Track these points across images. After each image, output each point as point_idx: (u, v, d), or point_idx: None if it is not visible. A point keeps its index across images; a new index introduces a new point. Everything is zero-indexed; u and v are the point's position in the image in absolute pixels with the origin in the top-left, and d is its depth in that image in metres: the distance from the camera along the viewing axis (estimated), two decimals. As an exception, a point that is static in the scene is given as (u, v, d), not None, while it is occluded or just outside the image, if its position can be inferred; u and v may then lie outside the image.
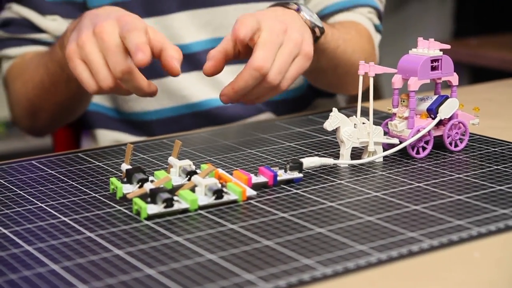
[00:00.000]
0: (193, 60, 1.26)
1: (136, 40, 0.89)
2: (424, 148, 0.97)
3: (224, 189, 0.82)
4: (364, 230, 0.74)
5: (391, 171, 0.91)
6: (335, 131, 0.95)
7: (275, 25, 0.99)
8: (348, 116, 0.95)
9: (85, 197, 0.84)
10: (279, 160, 0.97)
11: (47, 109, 1.21)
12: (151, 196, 0.79)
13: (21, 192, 0.86)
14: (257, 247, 0.70)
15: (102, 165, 0.96)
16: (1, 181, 0.90)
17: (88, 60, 0.93)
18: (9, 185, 0.89)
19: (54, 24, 1.23)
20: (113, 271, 0.66)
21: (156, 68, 1.25)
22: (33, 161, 0.98)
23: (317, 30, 1.08)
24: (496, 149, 0.99)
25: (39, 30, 1.23)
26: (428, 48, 0.96)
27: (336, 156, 0.96)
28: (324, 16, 1.28)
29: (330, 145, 1.03)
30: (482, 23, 3.25)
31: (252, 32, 0.97)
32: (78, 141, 1.40)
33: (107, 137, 1.30)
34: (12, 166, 0.96)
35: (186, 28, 1.26)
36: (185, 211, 0.79)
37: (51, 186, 0.88)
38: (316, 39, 1.07)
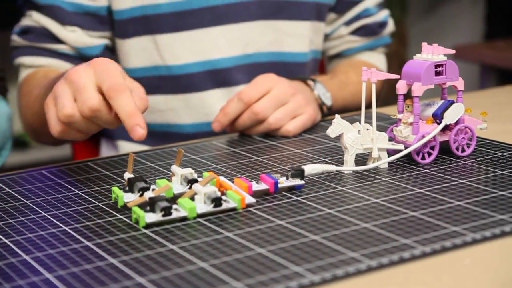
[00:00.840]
0: (221, 77, 1.27)
1: (126, 106, 0.85)
2: (429, 154, 0.96)
3: (223, 197, 0.82)
4: (358, 237, 0.74)
5: (395, 177, 0.91)
6: (339, 138, 0.95)
7: (286, 87, 1.13)
8: (352, 123, 0.95)
9: (88, 206, 0.86)
10: (284, 167, 0.98)
11: (47, 133, 1.19)
12: (150, 205, 0.80)
13: (27, 202, 0.88)
14: (249, 254, 0.71)
15: (109, 174, 0.97)
16: (10, 190, 0.92)
17: (56, 97, 0.89)
18: (16, 195, 0.91)
19: (73, 35, 1.24)
20: (105, 280, 0.67)
21: (179, 83, 1.27)
22: (43, 171, 1.00)
23: (324, 107, 1.22)
24: (504, 154, 0.98)
25: (57, 40, 1.25)
26: (432, 53, 0.96)
27: (341, 162, 0.97)
28: (348, 55, 1.43)
29: (337, 152, 1.03)
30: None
31: (258, 96, 1.11)
32: (97, 151, 1.42)
33: (127, 148, 1.31)
34: (22, 176, 0.98)
35: (216, 43, 1.27)
36: (184, 219, 0.80)
37: (56, 196, 0.90)
38: (322, 114, 1.21)
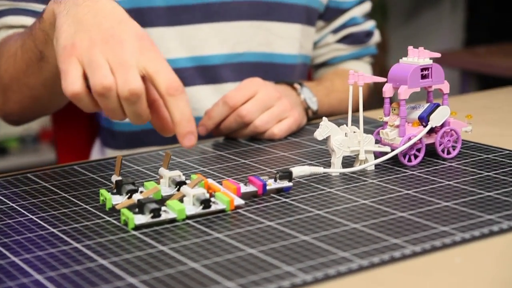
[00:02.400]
0: (210, 73, 1.27)
1: (185, 109, 0.79)
2: (416, 156, 0.97)
3: (212, 199, 0.82)
4: (348, 237, 0.74)
5: (382, 179, 0.91)
6: (325, 140, 0.95)
7: (271, 91, 1.14)
8: (339, 125, 0.95)
9: (76, 208, 0.85)
10: (271, 170, 0.98)
11: (16, 90, 1.09)
12: (139, 207, 0.80)
13: (13, 205, 0.87)
14: (240, 255, 0.71)
15: (96, 177, 0.97)
16: (-4, 194, 0.92)
17: (89, 61, 0.79)
18: (2, 198, 0.90)
19: None
20: (96, 281, 0.67)
21: None
22: (28, 174, 0.99)
23: (309, 111, 1.22)
24: (489, 156, 0.99)
25: (46, 2, 1.18)
26: (418, 57, 0.96)
27: (329, 165, 0.97)
28: (334, 63, 1.44)
29: (324, 154, 1.03)
30: (493, 32, 3.24)
31: (244, 100, 1.11)
32: (83, 156, 1.41)
33: (113, 154, 1.30)
34: (7, 180, 0.97)
35: (207, 40, 1.27)
36: (172, 221, 0.80)
37: (43, 198, 0.89)
38: (308, 118, 1.22)
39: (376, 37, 1.45)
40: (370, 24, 1.44)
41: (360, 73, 0.94)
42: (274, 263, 0.69)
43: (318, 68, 1.46)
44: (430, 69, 0.96)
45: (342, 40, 1.41)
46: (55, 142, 1.46)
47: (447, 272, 0.67)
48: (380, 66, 2.90)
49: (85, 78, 0.80)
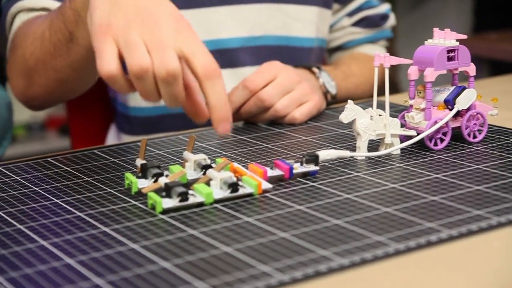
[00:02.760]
0: (227, 56, 1.26)
1: (222, 94, 0.77)
2: (442, 140, 0.95)
3: (240, 183, 0.81)
4: (381, 221, 0.73)
5: (408, 163, 0.90)
6: (351, 124, 0.94)
7: (291, 75, 1.12)
8: (364, 108, 0.94)
9: (100, 192, 0.84)
10: (295, 154, 0.96)
11: (41, 73, 1.05)
12: (166, 190, 0.79)
13: (36, 189, 0.86)
14: (273, 239, 0.70)
15: (118, 161, 0.96)
16: (18, 178, 0.90)
17: (125, 41, 0.76)
18: (25, 182, 0.89)
19: None
20: (128, 265, 0.65)
21: None
22: (48, 159, 0.98)
23: (328, 96, 1.21)
24: (515, 140, 0.97)
25: None
26: (444, 39, 0.95)
27: (353, 149, 0.96)
28: (350, 47, 1.42)
29: (347, 139, 1.02)
30: (502, 18, 3.22)
31: (264, 83, 1.09)
32: (99, 143, 1.40)
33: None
34: (28, 164, 0.96)
35: (224, 23, 1.26)
36: (200, 204, 0.79)
37: (66, 183, 0.88)
38: (327, 102, 1.20)
39: (392, 20, 1.44)
40: (385, 7, 1.42)
41: (386, 54, 0.92)
42: (308, 247, 0.68)
43: (333, 52, 1.44)
44: (456, 51, 0.95)
45: (357, 23, 1.40)
46: (69, 128, 1.44)
47: (485, 256, 0.66)
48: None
49: (121, 58, 0.77)
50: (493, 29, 2.98)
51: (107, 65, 0.76)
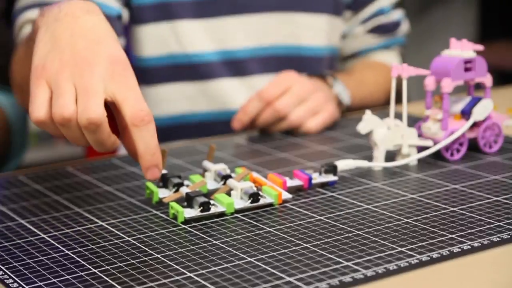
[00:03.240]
0: (237, 66, 1.27)
1: (151, 141, 0.74)
2: (458, 150, 0.96)
3: (260, 193, 0.82)
4: (403, 232, 0.73)
5: (426, 173, 0.90)
6: (368, 134, 0.94)
7: (306, 85, 1.13)
8: (381, 118, 0.95)
9: (121, 202, 0.85)
10: (312, 164, 0.97)
11: (26, 90, 0.97)
12: (188, 200, 0.79)
13: (57, 198, 0.87)
14: (296, 249, 0.70)
15: (137, 171, 0.96)
16: (36, 187, 0.91)
17: (56, 86, 0.74)
18: (45, 191, 0.89)
19: None
20: (151, 274, 0.66)
21: (196, 71, 1.26)
22: (67, 168, 0.98)
23: (343, 105, 1.21)
24: (531, 151, 0.98)
25: None
26: (461, 49, 0.95)
27: (369, 159, 0.96)
28: (363, 55, 1.43)
29: (362, 148, 1.02)
30: (507, 27, 3.23)
31: (279, 94, 1.10)
32: (115, 151, 1.40)
33: None
34: (47, 173, 0.96)
35: (233, 33, 1.26)
36: (221, 214, 0.79)
37: (86, 192, 0.88)
38: (340, 112, 1.20)
39: (405, 26, 1.44)
40: (397, 14, 1.42)
41: (404, 65, 0.93)
42: (332, 257, 0.68)
43: (346, 59, 1.45)
44: (473, 62, 0.95)
45: (371, 31, 1.41)
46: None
47: (509, 266, 0.66)
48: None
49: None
50: (498, 38, 2.98)
51: (37, 111, 0.74)
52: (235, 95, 1.28)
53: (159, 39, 1.26)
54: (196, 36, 1.25)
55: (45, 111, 0.74)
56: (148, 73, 1.27)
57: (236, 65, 1.27)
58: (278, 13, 1.28)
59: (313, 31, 1.31)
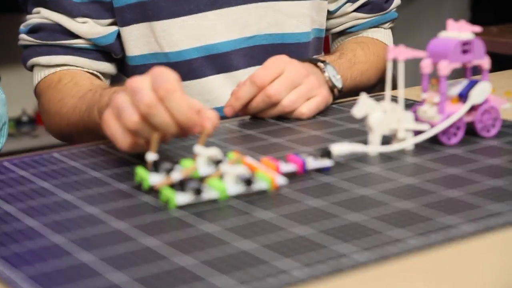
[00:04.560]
0: (220, 61, 1.24)
1: (182, 108, 0.83)
2: (455, 134, 0.94)
3: (254, 178, 0.79)
4: (398, 217, 0.71)
5: (422, 158, 0.89)
6: (360, 118, 0.92)
7: (298, 69, 1.10)
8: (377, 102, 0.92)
9: (110, 188, 0.82)
10: (305, 149, 0.95)
11: (82, 139, 1.15)
12: (180, 185, 0.77)
13: (44, 184, 0.84)
14: (289, 235, 0.68)
15: (125, 156, 0.94)
16: (23, 173, 0.88)
17: (118, 110, 0.86)
18: (32, 177, 0.87)
19: (85, 27, 1.21)
20: (141, 261, 0.64)
21: (178, 70, 1.23)
22: (54, 154, 0.96)
23: (335, 90, 1.18)
24: (528, 134, 0.96)
25: (70, 35, 1.21)
26: (459, 31, 0.93)
27: (364, 143, 0.94)
28: (354, 32, 1.39)
29: (356, 133, 1.00)
30: (498, 13, 3.22)
31: (271, 79, 1.08)
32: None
33: None
34: (34, 159, 0.94)
35: (214, 28, 1.24)
36: (214, 200, 0.77)
37: (74, 178, 0.86)
38: (333, 96, 1.17)
39: (396, 2, 1.41)
40: None
41: (400, 47, 0.91)
42: (326, 243, 0.66)
43: (336, 36, 1.42)
44: (471, 44, 0.93)
45: (361, 9, 1.37)
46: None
47: (507, 251, 0.65)
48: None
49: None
50: (489, 24, 2.97)
51: (129, 118, 0.84)
52: (220, 91, 1.25)
53: (142, 39, 1.24)
54: (173, 35, 1.23)
55: (126, 136, 0.85)
56: (137, 71, 1.25)
57: (219, 60, 1.25)
58: (258, 3, 1.26)
59: (296, 17, 1.29)
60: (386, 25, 1.42)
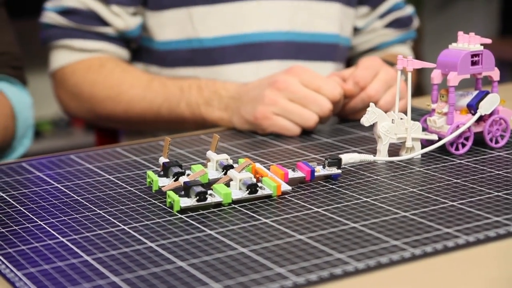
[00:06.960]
0: (252, 50, 1.27)
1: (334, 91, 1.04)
2: (463, 145, 0.95)
3: (259, 184, 0.81)
4: (398, 225, 0.73)
5: (429, 168, 0.90)
6: (372, 127, 0.94)
7: (391, 71, 1.13)
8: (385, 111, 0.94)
9: (121, 190, 0.85)
10: (316, 156, 0.96)
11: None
12: (185, 190, 0.79)
13: (57, 186, 0.87)
14: (289, 241, 0.70)
15: (140, 160, 0.96)
16: (40, 174, 0.91)
17: (285, 111, 1.05)
18: (47, 179, 0.90)
19: (120, 20, 1.25)
20: (144, 263, 0.66)
21: (210, 56, 1.26)
22: (71, 156, 0.99)
23: None
24: (538, 146, 0.96)
25: (104, 23, 1.25)
26: (469, 43, 0.94)
27: (373, 151, 0.95)
28: (382, 48, 1.44)
29: (367, 141, 1.02)
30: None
31: (371, 80, 1.11)
32: (117, 140, 1.41)
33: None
34: (51, 160, 0.97)
35: (250, 17, 1.27)
36: (218, 205, 0.79)
37: (87, 180, 0.89)
38: None
39: (417, 21, 1.45)
40: (410, 9, 1.45)
41: (409, 58, 0.92)
42: (325, 250, 0.68)
43: (364, 54, 1.44)
44: (480, 56, 0.94)
45: (388, 25, 1.41)
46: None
47: (504, 262, 0.66)
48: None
49: None
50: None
51: (294, 131, 1.07)
52: (249, 79, 1.27)
53: (177, 24, 1.27)
54: (210, 22, 1.26)
55: (298, 128, 1.06)
56: (168, 57, 1.28)
57: (251, 50, 1.27)
58: (293, 0, 1.28)
59: (326, 18, 1.31)
60: (408, 43, 1.47)
